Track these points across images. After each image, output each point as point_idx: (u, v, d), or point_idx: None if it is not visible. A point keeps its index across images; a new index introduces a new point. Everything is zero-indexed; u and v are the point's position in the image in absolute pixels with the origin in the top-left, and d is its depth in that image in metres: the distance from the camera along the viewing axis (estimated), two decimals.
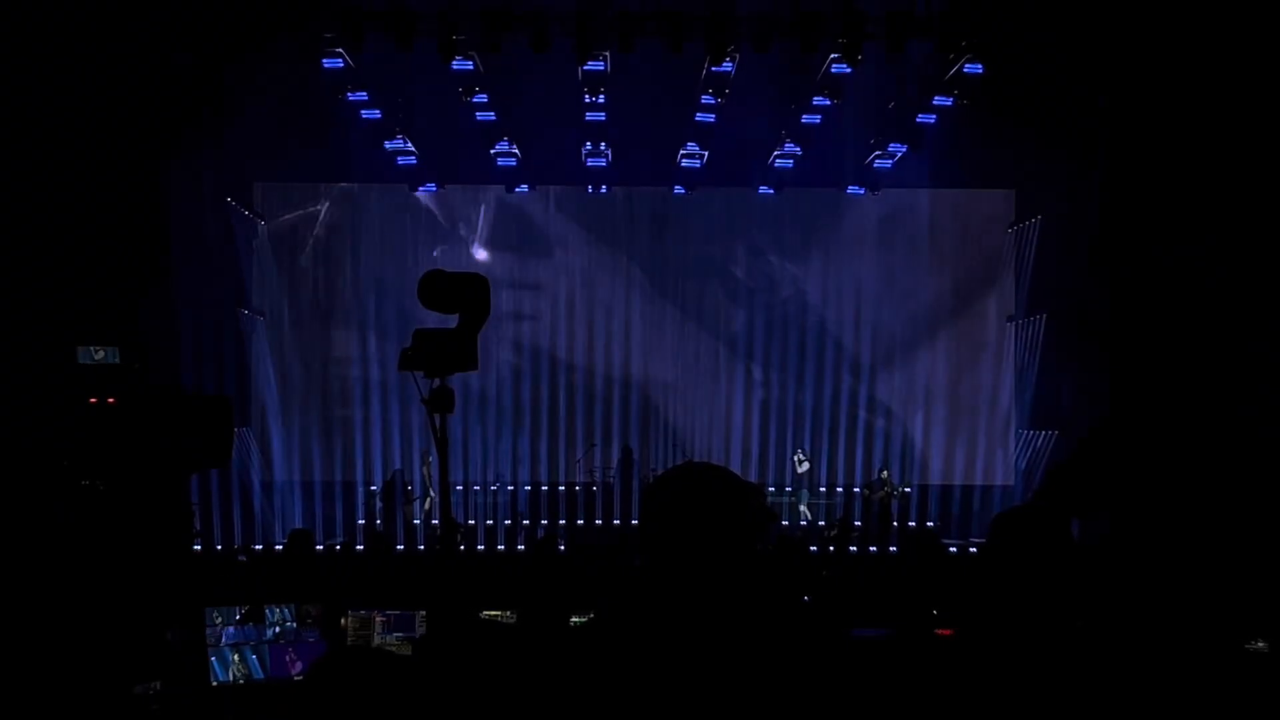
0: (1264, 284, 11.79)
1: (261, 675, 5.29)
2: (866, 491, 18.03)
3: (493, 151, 17.08)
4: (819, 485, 18.85)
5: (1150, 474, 2.47)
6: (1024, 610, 2.48)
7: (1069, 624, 2.47)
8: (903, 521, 17.98)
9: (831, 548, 16.08)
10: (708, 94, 15.21)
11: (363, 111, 15.71)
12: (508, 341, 19.06)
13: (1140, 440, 2.51)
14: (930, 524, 18.16)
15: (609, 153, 17.36)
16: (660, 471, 15.53)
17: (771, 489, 18.73)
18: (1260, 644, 5.65)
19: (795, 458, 18.59)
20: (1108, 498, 2.51)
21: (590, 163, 17.56)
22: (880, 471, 18.43)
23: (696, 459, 18.54)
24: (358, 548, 16.26)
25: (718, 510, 2.37)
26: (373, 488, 18.19)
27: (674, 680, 2.24)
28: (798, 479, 18.49)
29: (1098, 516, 2.53)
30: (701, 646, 2.27)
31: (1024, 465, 18.66)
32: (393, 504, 17.50)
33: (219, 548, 16.19)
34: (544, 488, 18.67)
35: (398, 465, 18.24)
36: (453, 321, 3.92)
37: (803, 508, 18.32)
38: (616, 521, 17.61)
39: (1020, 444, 18.87)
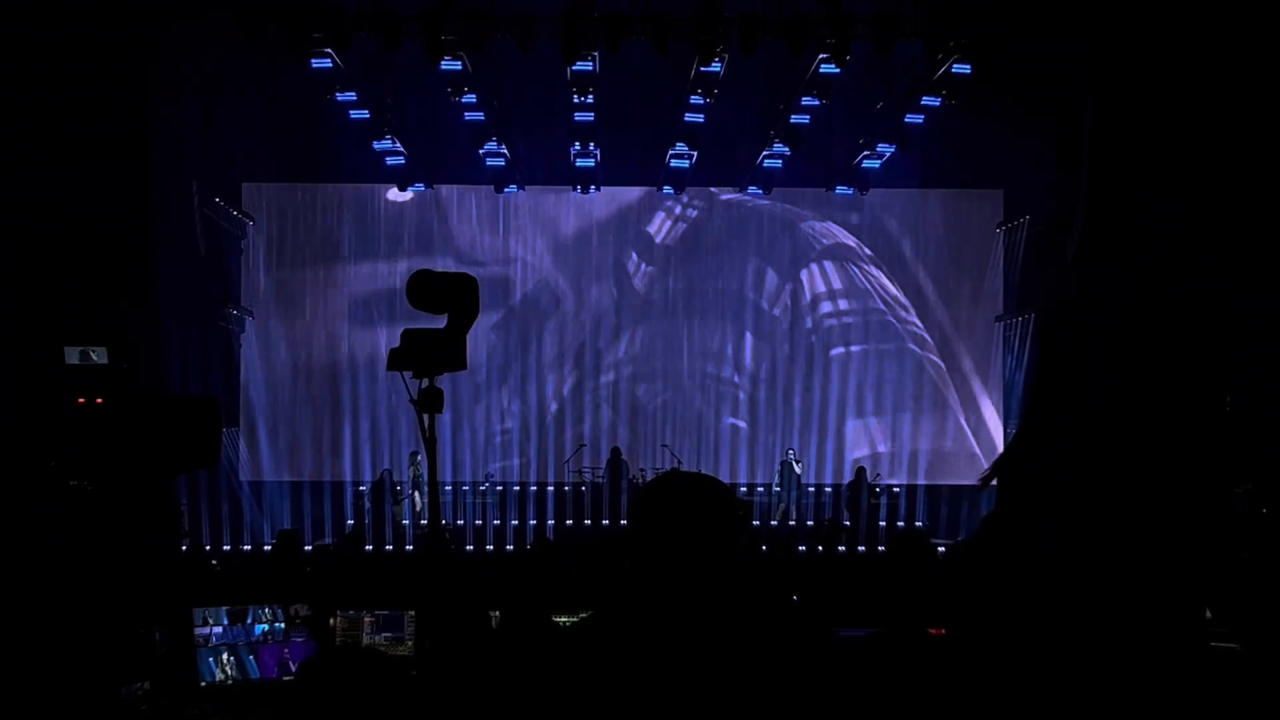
0: (1258, 281, 11.82)
1: (257, 675, 5.29)
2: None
3: (481, 152, 17.07)
4: (808, 485, 18.86)
5: (1138, 475, 2.48)
6: (1010, 610, 2.50)
7: (1056, 625, 2.48)
8: (891, 521, 18.00)
9: (820, 547, 16.10)
10: (696, 94, 15.23)
11: (351, 112, 15.69)
12: (498, 341, 19.07)
13: (1126, 444, 2.52)
14: (919, 524, 18.18)
15: (598, 153, 17.38)
16: (648, 473, 15.60)
17: (760, 488, 18.78)
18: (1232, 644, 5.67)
19: (788, 456, 18.58)
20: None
21: (579, 163, 17.57)
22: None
23: (685, 459, 18.59)
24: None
25: (703, 517, 2.38)
26: (361, 488, 18.18)
27: (663, 680, 2.25)
28: (789, 479, 18.48)
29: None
30: (690, 646, 2.28)
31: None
32: (381, 503, 17.48)
33: (207, 548, 16.15)
34: (533, 488, 18.68)
35: (386, 465, 18.23)
36: (441, 322, 3.92)
37: (784, 506, 18.34)
38: (605, 522, 17.60)
39: (1008, 443, 18.88)
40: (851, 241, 19.50)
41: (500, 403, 19.28)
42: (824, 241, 19.53)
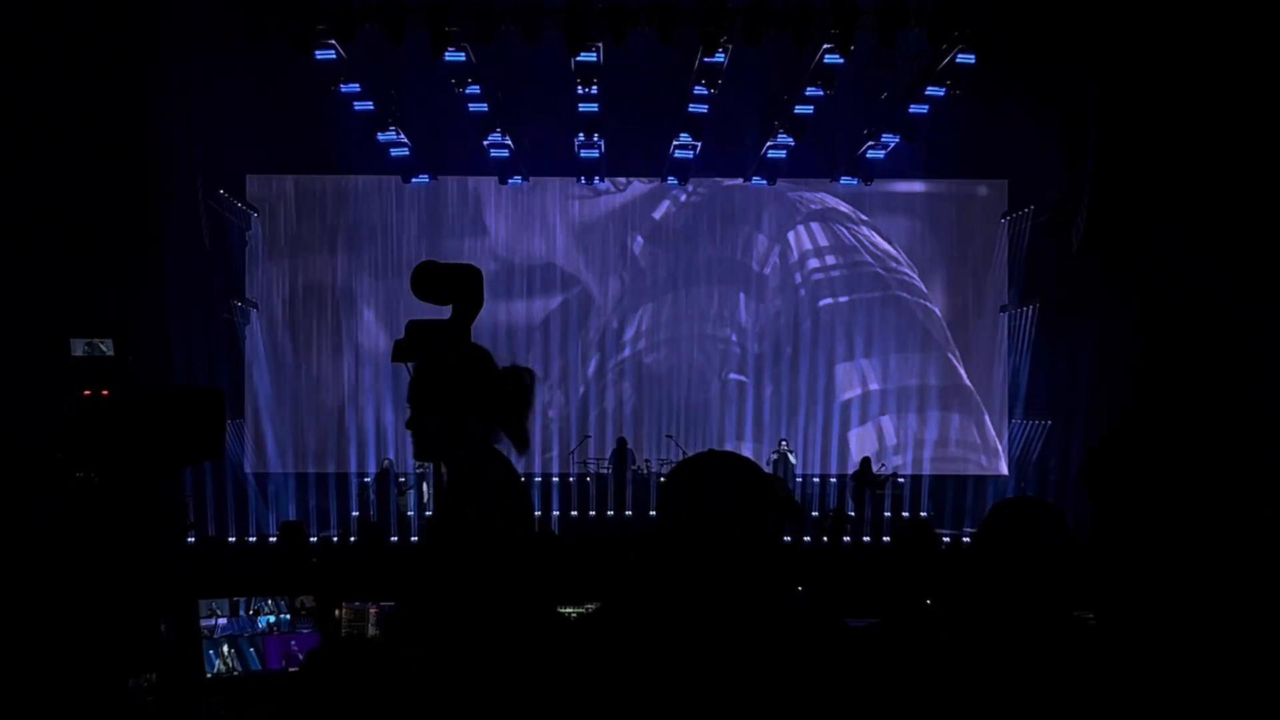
0: (1258, 279, 11.81)
1: (259, 667, 5.30)
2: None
3: (485, 143, 17.06)
4: (799, 477, 18.84)
5: (1148, 469, 2.48)
6: (1017, 601, 2.50)
7: (1064, 616, 2.48)
8: (896, 512, 18.01)
9: (825, 538, 16.09)
10: (700, 85, 15.22)
11: (355, 103, 15.68)
12: (502, 332, 19.06)
13: (1138, 435, 2.52)
14: (924, 514, 18.19)
15: (601, 144, 17.37)
16: (653, 464, 15.50)
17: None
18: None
19: (781, 447, 18.58)
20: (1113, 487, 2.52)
21: (583, 154, 17.55)
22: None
23: (686, 449, 18.56)
24: (350, 539, 16.30)
25: (744, 499, 2.34)
26: (365, 479, 18.19)
27: (671, 672, 2.25)
28: (785, 470, 18.47)
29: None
30: (710, 636, 2.28)
31: (1017, 455, 18.72)
32: (385, 494, 17.50)
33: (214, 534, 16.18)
34: (537, 479, 18.68)
35: (390, 456, 18.24)
36: (446, 313, 3.91)
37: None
38: (610, 513, 17.61)
39: (1013, 434, 18.91)
40: (845, 208, 19.56)
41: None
42: (812, 206, 19.60)
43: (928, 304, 19.50)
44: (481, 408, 3.36)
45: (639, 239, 19.65)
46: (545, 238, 19.50)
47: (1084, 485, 2.61)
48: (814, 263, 19.65)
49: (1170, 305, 12.53)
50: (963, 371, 19.44)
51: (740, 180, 19.18)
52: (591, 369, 19.61)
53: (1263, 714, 2.37)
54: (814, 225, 19.62)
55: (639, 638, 2.30)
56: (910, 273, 19.54)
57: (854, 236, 19.58)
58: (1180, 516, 2.39)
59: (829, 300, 19.59)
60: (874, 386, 19.44)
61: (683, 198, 19.57)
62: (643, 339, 19.64)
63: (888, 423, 19.36)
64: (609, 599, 2.48)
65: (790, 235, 19.65)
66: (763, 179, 18.75)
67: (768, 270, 19.67)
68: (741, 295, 19.65)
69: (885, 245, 19.56)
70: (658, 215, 19.67)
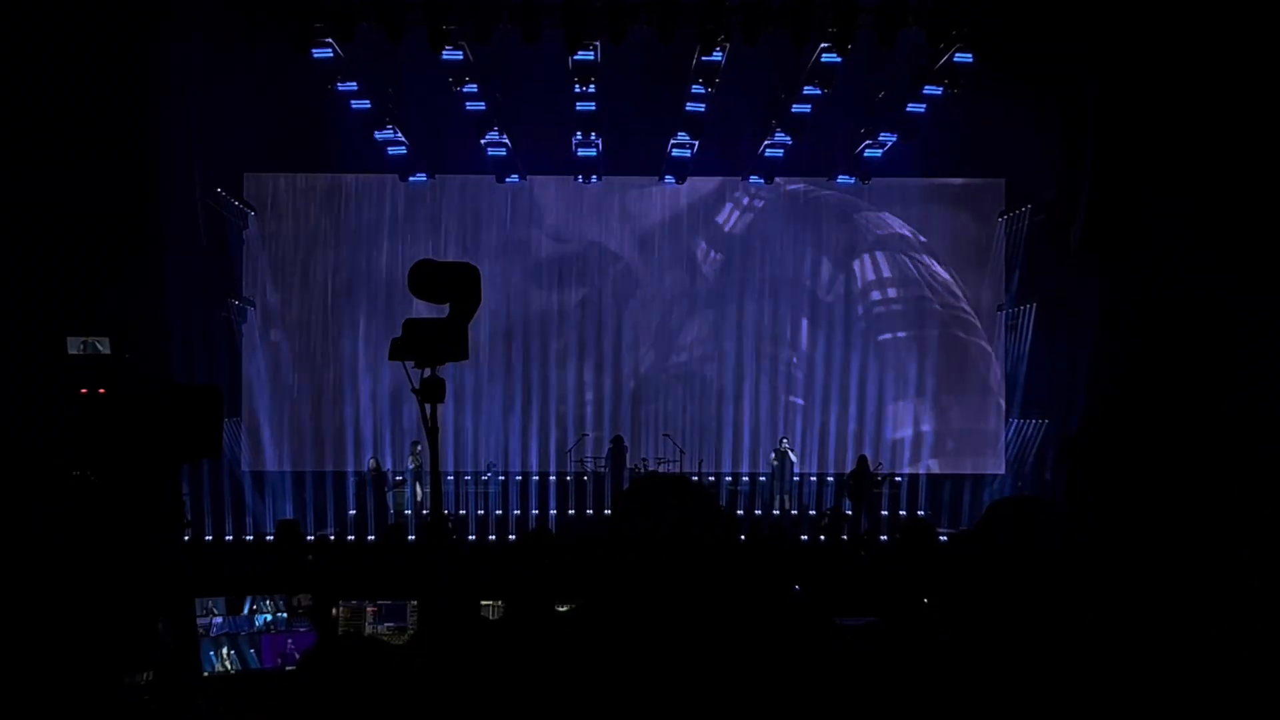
0: (1258, 279, 11.81)
1: (257, 666, 5.30)
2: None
3: (483, 141, 17.04)
4: (796, 475, 18.79)
5: (1140, 466, 2.48)
6: (1015, 599, 2.49)
7: (1060, 617, 2.48)
8: (894, 510, 18.00)
9: (823, 537, 16.09)
10: (698, 84, 15.21)
11: (353, 102, 15.66)
12: (500, 331, 19.04)
13: (1129, 433, 2.52)
14: (922, 512, 18.17)
15: (599, 142, 17.35)
16: (650, 462, 15.50)
17: (763, 477, 18.76)
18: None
19: (781, 445, 18.56)
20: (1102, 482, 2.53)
21: (580, 153, 17.53)
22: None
23: (685, 447, 18.55)
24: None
25: (673, 514, 2.39)
26: (364, 475, 18.15)
27: (658, 668, 2.25)
28: (785, 467, 18.46)
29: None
30: (685, 634, 2.28)
31: (1014, 454, 18.70)
32: (381, 492, 17.50)
33: (208, 538, 16.16)
34: (535, 477, 18.68)
35: (385, 454, 18.22)
36: (443, 311, 3.90)
37: (781, 496, 18.34)
38: (607, 511, 17.58)
39: (1011, 433, 18.90)
40: (906, 231, 19.54)
41: (502, 392, 19.25)
42: (877, 232, 19.63)
43: (983, 343, 19.45)
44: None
45: (701, 243, 19.64)
46: (603, 233, 19.54)
47: (1062, 465, 2.62)
48: (876, 295, 19.63)
49: (1170, 305, 12.52)
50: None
51: (806, 185, 19.19)
52: (644, 369, 19.58)
53: (1263, 713, 2.37)
54: (879, 255, 19.59)
55: (633, 636, 2.30)
56: (969, 309, 19.48)
57: (916, 267, 19.52)
58: (1175, 512, 2.39)
59: (889, 335, 19.56)
60: (925, 428, 19.39)
61: (745, 200, 19.55)
62: (699, 346, 19.61)
63: (934, 465, 19.29)
64: (599, 596, 2.49)
65: (855, 265, 19.62)
66: (759, 177, 18.74)
67: (830, 298, 19.62)
68: (805, 321, 19.62)
69: (945, 276, 19.50)
70: (720, 219, 19.69)
